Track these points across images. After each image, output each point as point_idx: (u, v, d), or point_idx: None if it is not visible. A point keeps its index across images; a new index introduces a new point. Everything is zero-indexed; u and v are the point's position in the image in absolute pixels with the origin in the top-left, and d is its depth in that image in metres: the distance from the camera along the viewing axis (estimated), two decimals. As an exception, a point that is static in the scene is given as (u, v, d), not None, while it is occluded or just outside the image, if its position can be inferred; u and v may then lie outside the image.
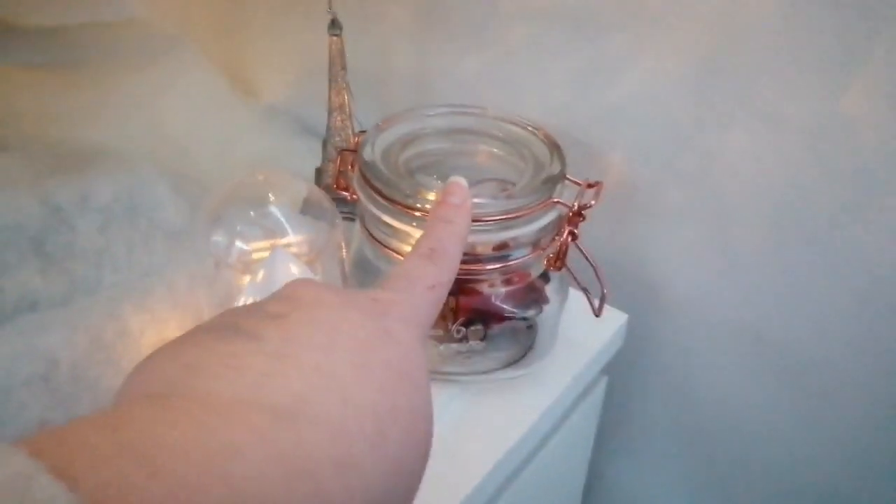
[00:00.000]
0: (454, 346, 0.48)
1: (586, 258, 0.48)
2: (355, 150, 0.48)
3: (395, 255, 0.47)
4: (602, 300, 0.49)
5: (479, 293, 0.48)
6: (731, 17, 0.48)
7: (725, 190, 0.52)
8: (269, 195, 0.39)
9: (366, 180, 0.46)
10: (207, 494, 0.17)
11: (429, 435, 0.24)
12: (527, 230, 0.45)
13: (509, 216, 0.44)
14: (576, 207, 0.45)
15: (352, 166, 0.49)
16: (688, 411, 0.66)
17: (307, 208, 0.46)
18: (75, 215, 0.51)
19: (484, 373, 0.51)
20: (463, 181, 0.36)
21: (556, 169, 0.46)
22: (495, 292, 0.48)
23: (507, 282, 0.48)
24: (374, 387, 0.22)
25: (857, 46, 0.43)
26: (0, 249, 0.48)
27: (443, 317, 0.48)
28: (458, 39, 0.62)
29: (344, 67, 0.59)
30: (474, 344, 0.48)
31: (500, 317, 0.49)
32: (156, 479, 0.16)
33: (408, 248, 0.46)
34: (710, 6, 0.48)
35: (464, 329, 0.48)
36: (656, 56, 0.52)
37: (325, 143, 0.64)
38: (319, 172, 0.66)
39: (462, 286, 0.47)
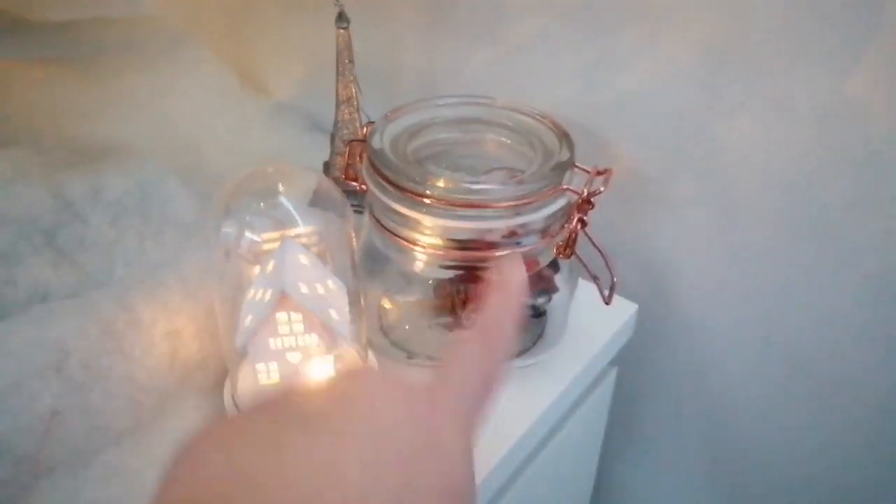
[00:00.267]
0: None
1: (595, 246, 0.48)
2: (364, 141, 0.49)
3: (404, 243, 0.47)
4: (612, 289, 0.49)
5: (489, 281, 0.48)
6: (737, 5, 0.47)
7: (734, 179, 0.52)
8: (279, 186, 0.39)
9: (375, 169, 0.46)
10: None
11: None
12: (536, 217, 0.45)
13: (519, 202, 0.44)
14: (585, 194, 0.45)
15: (360, 157, 0.49)
16: (697, 404, 0.65)
17: (317, 200, 0.46)
18: (87, 209, 0.51)
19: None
20: (519, 254, 0.34)
21: (565, 156, 0.46)
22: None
23: (517, 270, 0.48)
24: None
25: (863, 31, 0.43)
26: (13, 242, 0.48)
27: (452, 304, 0.49)
28: (467, 33, 0.63)
29: (351, 60, 0.59)
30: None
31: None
32: None
33: (417, 236, 0.46)
34: (717, -6, 0.48)
35: (473, 317, 0.48)
36: (665, 47, 0.52)
37: (332, 137, 0.64)
38: (328, 166, 0.66)
39: (472, 273, 0.47)
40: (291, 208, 0.39)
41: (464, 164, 0.50)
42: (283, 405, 0.24)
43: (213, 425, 0.24)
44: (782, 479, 0.63)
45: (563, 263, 0.51)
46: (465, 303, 0.48)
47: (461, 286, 0.48)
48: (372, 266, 0.51)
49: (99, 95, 0.68)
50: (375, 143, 0.47)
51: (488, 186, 0.44)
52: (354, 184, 0.51)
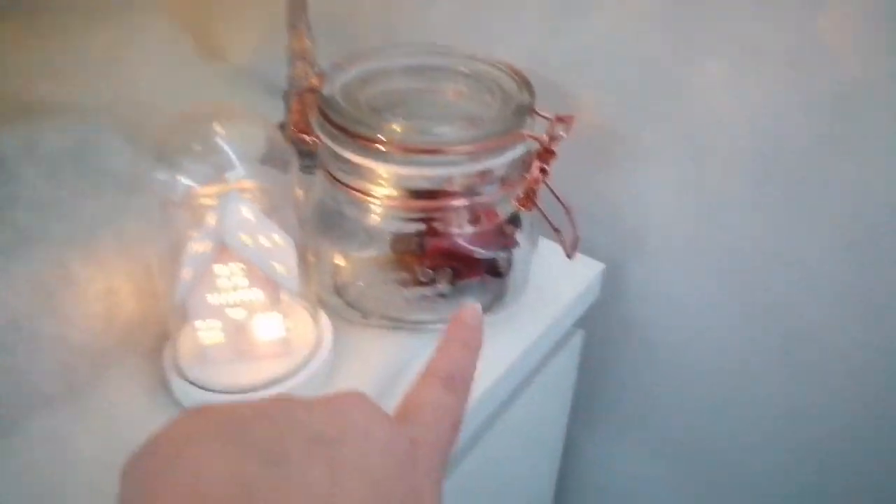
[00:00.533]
0: (420, 289, 0.46)
1: (557, 198, 0.46)
2: (314, 91, 0.46)
3: (358, 195, 0.44)
4: (575, 243, 0.48)
5: (446, 234, 0.46)
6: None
7: (702, 127, 0.50)
8: (216, 127, 0.37)
9: (325, 117, 0.44)
10: None
11: None
12: (496, 163, 0.43)
13: (478, 147, 0.42)
14: (546, 139, 0.43)
15: (312, 109, 0.47)
16: (666, 368, 0.64)
17: (267, 158, 0.44)
18: (19, 164, 0.48)
19: (454, 321, 0.49)
20: (478, 306, 0.35)
21: (525, 99, 0.44)
22: (463, 232, 0.46)
23: (476, 221, 0.46)
24: None
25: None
26: (-61, 198, 0.45)
27: (409, 259, 0.46)
28: (425, -17, 0.60)
29: (304, 9, 0.56)
30: (441, 286, 0.46)
31: (467, 258, 0.46)
32: None
33: (372, 187, 0.44)
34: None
35: (430, 272, 0.46)
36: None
37: (286, 95, 0.61)
38: (283, 127, 0.63)
39: (430, 225, 0.45)
40: (229, 150, 0.36)
41: (420, 113, 0.48)
42: (285, 414, 0.24)
43: (211, 425, 0.23)
44: (752, 444, 0.62)
45: (525, 218, 0.49)
46: (422, 257, 0.46)
47: (418, 240, 0.46)
48: (325, 223, 0.48)
49: (41, 53, 0.64)
50: (326, 90, 0.45)
51: (445, 129, 0.42)
52: (306, 136, 0.48)
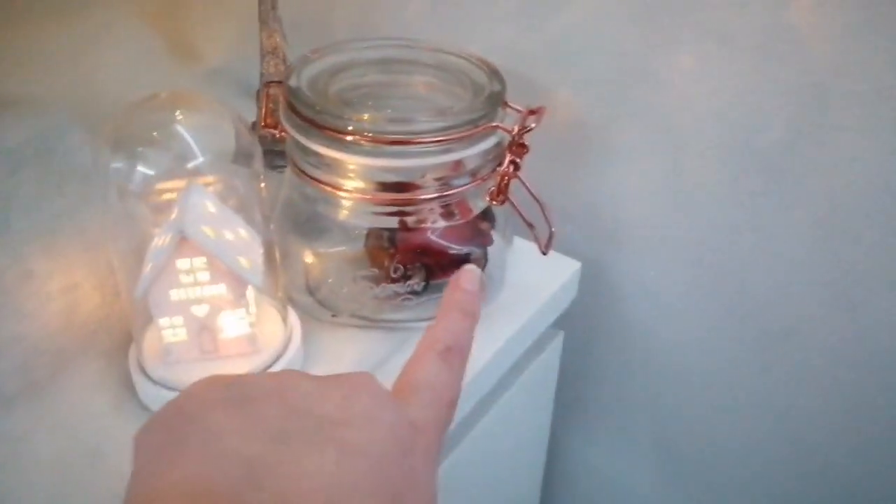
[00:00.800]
0: (392, 286, 0.45)
1: (531, 193, 0.45)
2: (281, 83, 0.45)
3: (328, 189, 0.43)
4: (549, 239, 0.47)
5: (419, 230, 0.45)
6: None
7: (677, 119, 0.50)
8: (176, 114, 0.36)
9: (293, 109, 0.43)
10: None
11: None
12: (467, 153, 0.42)
13: (449, 137, 0.41)
14: (516, 130, 0.42)
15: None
16: (647, 368, 0.63)
17: (238, 156, 0.43)
18: (-21, 160, 0.47)
19: (427, 320, 0.48)
20: (477, 269, 0.35)
21: (495, 88, 0.43)
22: (436, 227, 0.45)
23: (449, 216, 0.45)
24: None
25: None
26: None
27: (380, 255, 0.45)
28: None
29: (274, 7, 0.56)
30: (413, 283, 0.45)
31: (441, 254, 0.46)
32: None
33: (342, 181, 0.43)
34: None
35: (401, 267, 0.45)
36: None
37: (258, 93, 0.60)
38: (255, 126, 0.62)
39: (401, 220, 0.44)
40: (190, 139, 0.35)
41: (390, 105, 0.47)
42: (294, 393, 0.24)
43: (221, 399, 0.24)
44: (734, 440, 0.62)
45: (499, 214, 0.48)
46: (393, 253, 0.45)
47: (390, 235, 0.45)
48: (294, 219, 0.47)
49: (4, 48, 0.63)
50: (293, 82, 0.44)
51: (415, 119, 0.41)
52: (274, 131, 0.47)
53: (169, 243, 0.36)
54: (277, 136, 0.46)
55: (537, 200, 0.45)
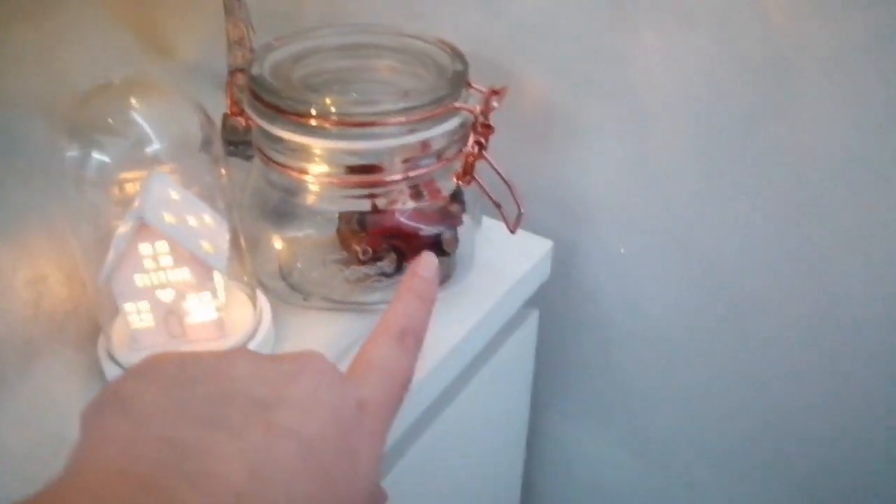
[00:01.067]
0: (362, 269, 0.45)
1: (498, 173, 0.45)
2: (244, 71, 0.45)
3: (295, 174, 0.44)
4: (518, 217, 0.47)
5: (388, 212, 0.45)
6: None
7: (642, 98, 0.50)
8: (132, 100, 0.35)
9: (256, 97, 0.43)
10: None
11: None
12: (431, 134, 0.42)
13: (412, 118, 0.41)
14: (479, 110, 0.42)
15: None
16: (624, 344, 0.64)
17: (204, 144, 0.43)
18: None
19: (399, 302, 0.48)
20: (433, 256, 0.35)
21: (457, 68, 0.44)
22: (405, 209, 0.45)
23: (417, 197, 0.45)
24: None
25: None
26: None
27: (349, 239, 0.46)
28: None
29: (240, -5, 0.55)
30: (382, 265, 0.45)
31: (410, 236, 0.46)
32: None
33: (308, 166, 0.43)
34: None
35: (370, 249, 0.45)
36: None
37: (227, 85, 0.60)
38: (225, 118, 0.62)
39: (370, 203, 0.44)
40: (145, 124, 0.35)
41: (354, 89, 0.47)
42: (232, 375, 0.25)
43: (158, 380, 0.24)
44: (711, 418, 0.62)
45: (468, 196, 0.48)
46: (362, 236, 0.45)
47: (359, 218, 0.45)
48: (263, 206, 0.48)
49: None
50: (255, 69, 0.44)
51: (379, 100, 0.41)
52: (241, 119, 0.47)
53: (130, 229, 0.36)
54: (244, 124, 0.46)
55: (505, 180, 0.45)
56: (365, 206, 0.45)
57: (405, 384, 0.30)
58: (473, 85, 0.45)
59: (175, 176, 0.39)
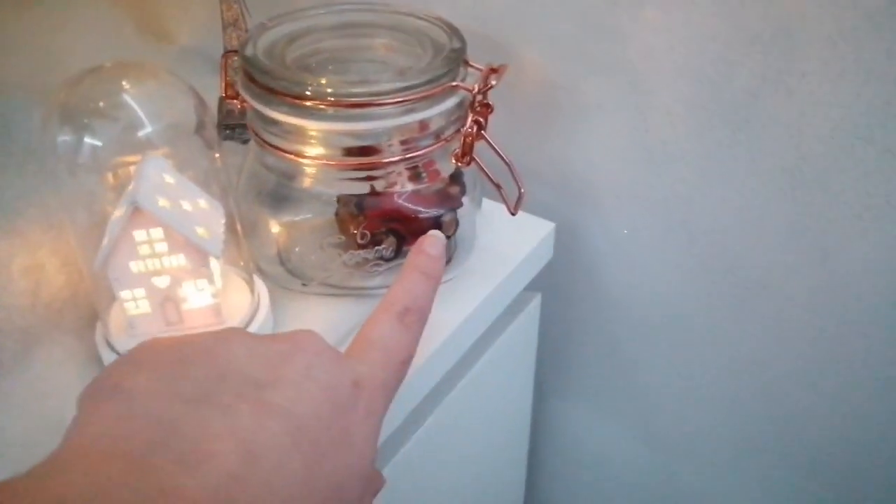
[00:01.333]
0: (361, 253, 0.45)
1: (498, 153, 0.44)
2: (237, 52, 0.44)
3: (291, 157, 0.43)
4: (519, 199, 0.46)
5: (387, 194, 0.44)
6: None
7: (642, 74, 0.49)
8: (124, 83, 0.35)
9: (250, 78, 0.42)
10: None
11: None
12: (429, 114, 0.41)
13: (410, 97, 0.40)
14: (477, 89, 0.41)
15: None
16: (628, 325, 0.63)
17: (199, 127, 0.42)
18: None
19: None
20: (440, 234, 0.36)
21: (455, 46, 0.43)
22: (404, 192, 0.45)
23: (417, 178, 0.45)
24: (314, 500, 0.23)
25: None
26: None
27: (348, 223, 0.45)
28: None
29: (234, -25, 0.55)
30: (381, 249, 0.45)
31: (410, 219, 0.45)
32: None
33: (304, 148, 0.42)
34: None
35: (368, 234, 0.44)
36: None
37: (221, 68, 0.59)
38: (222, 101, 0.62)
39: (368, 185, 0.44)
40: (137, 107, 0.34)
41: (351, 69, 0.46)
42: (226, 355, 0.25)
43: (152, 361, 0.25)
44: (715, 399, 0.62)
45: (468, 177, 0.48)
46: (361, 219, 0.45)
47: (357, 200, 0.45)
48: (259, 189, 0.47)
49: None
50: (248, 50, 0.43)
51: (375, 80, 0.41)
52: (235, 102, 0.47)
53: (124, 215, 0.35)
54: (239, 107, 0.46)
55: (505, 161, 0.44)
56: (363, 188, 0.44)
57: (405, 363, 0.30)
58: (472, 63, 0.44)
59: (169, 160, 0.39)
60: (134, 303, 0.39)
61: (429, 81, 0.41)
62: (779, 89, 0.44)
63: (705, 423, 0.64)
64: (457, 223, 0.48)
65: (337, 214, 0.45)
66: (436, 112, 0.42)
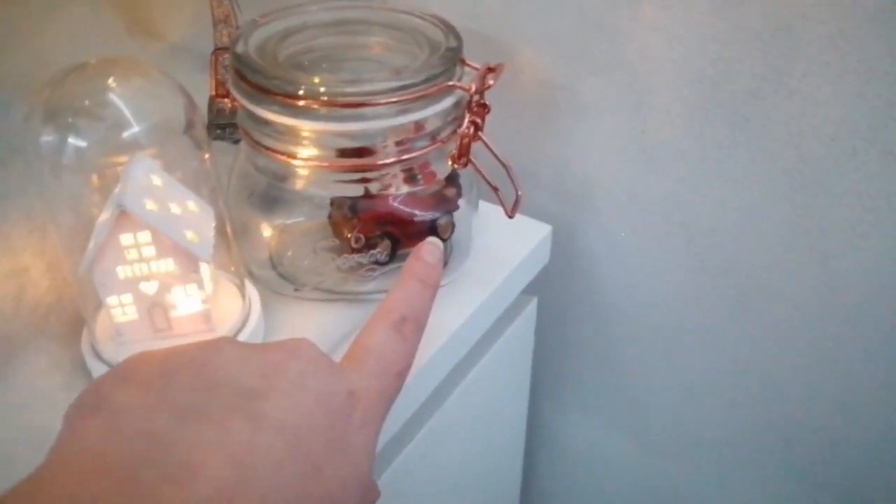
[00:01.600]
0: (355, 257, 0.44)
1: (494, 155, 0.44)
2: (228, 50, 0.43)
3: (283, 158, 0.42)
4: (516, 202, 0.45)
5: (381, 197, 0.43)
6: None
7: (640, 73, 0.48)
8: (109, 81, 0.34)
9: (241, 77, 0.41)
10: None
11: None
12: (425, 114, 0.40)
13: (406, 97, 0.39)
14: (473, 89, 0.40)
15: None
16: (625, 329, 0.62)
17: (188, 127, 0.41)
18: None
19: (393, 290, 0.46)
20: (438, 241, 0.35)
21: (451, 45, 0.42)
22: (399, 194, 0.44)
23: (413, 181, 0.44)
24: None
25: None
26: None
27: (341, 226, 0.44)
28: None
29: (224, -28, 0.53)
30: (376, 253, 0.44)
31: (405, 222, 0.44)
32: None
33: (296, 149, 0.41)
34: None
35: (362, 237, 0.43)
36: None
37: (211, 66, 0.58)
38: (212, 100, 0.60)
39: (362, 188, 0.43)
40: (123, 106, 0.33)
41: (344, 67, 0.45)
42: (216, 366, 0.24)
43: (141, 374, 0.24)
44: (710, 402, 0.61)
45: (464, 179, 0.47)
46: (355, 222, 0.44)
47: (351, 203, 0.44)
48: (250, 191, 0.46)
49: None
50: (239, 48, 0.42)
51: (370, 79, 0.40)
52: (227, 101, 0.46)
53: (110, 218, 0.34)
54: (230, 105, 0.45)
55: (502, 163, 0.43)
56: (357, 190, 0.43)
57: (402, 373, 0.29)
58: (468, 62, 0.43)
59: (157, 161, 0.37)
60: (121, 309, 0.37)
61: (425, 81, 0.40)
62: (779, 89, 0.44)
63: (702, 426, 0.64)
64: (453, 226, 0.47)
65: (330, 217, 0.44)
66: (432, 112, 0.41)
